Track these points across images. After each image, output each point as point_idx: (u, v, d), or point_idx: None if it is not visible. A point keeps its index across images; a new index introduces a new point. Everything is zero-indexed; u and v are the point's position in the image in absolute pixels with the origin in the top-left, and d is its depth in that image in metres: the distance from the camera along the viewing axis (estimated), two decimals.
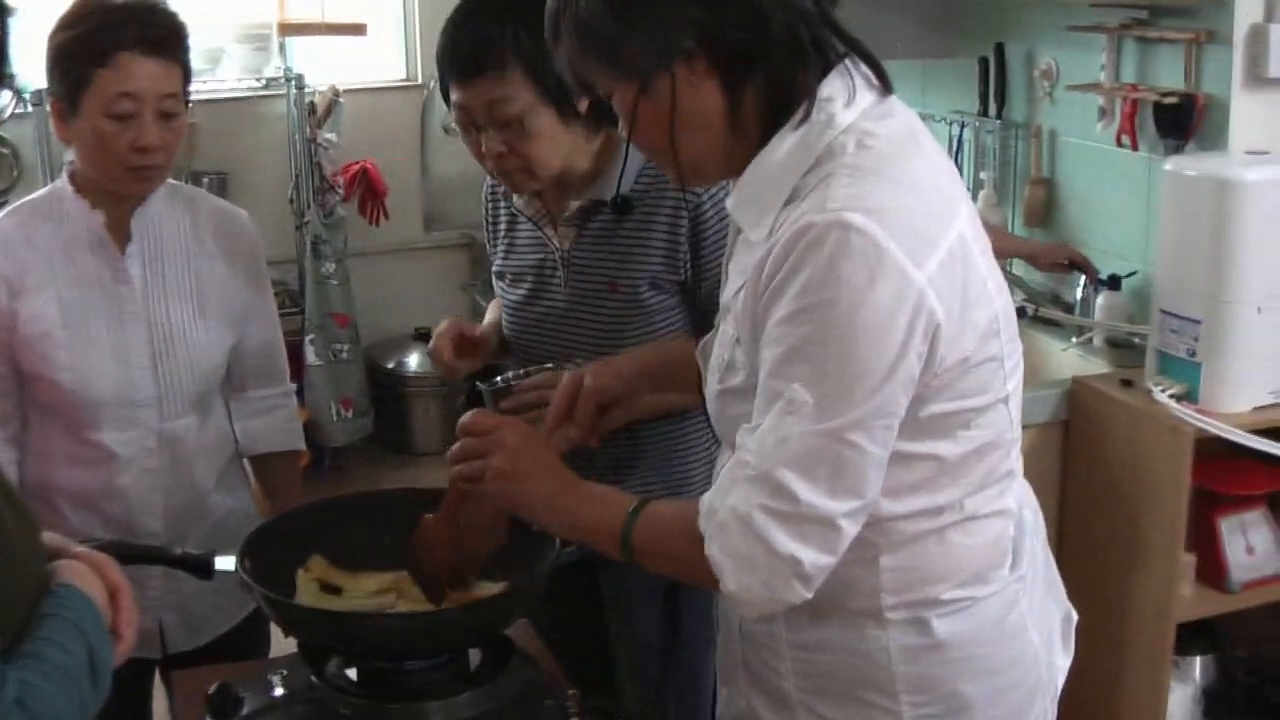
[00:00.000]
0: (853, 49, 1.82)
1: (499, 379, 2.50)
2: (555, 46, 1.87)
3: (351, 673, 2.10)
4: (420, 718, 2.01)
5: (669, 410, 2.52)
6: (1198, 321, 3.00)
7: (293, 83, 5.65)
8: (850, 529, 1.71)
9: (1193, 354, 3.03)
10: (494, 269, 2.70)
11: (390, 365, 6.16)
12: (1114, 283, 3.53)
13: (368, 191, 5.94)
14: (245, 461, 2.81)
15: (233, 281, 2.64)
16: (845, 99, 1.77)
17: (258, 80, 5.68)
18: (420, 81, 6.17)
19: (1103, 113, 3.58)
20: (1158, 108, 3.36)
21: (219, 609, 2.66)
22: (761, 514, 1.67)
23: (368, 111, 6.01)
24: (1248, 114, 3.25)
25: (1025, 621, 1.91)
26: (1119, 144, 3.54)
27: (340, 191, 5.79)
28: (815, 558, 1.68)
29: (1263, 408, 3.04)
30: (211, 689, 2.04)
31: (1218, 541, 3.14)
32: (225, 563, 2.15)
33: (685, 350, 2.21)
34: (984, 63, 4.00)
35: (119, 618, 1.52)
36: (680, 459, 2.61)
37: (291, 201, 5.72)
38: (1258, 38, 3.20)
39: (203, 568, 2.17)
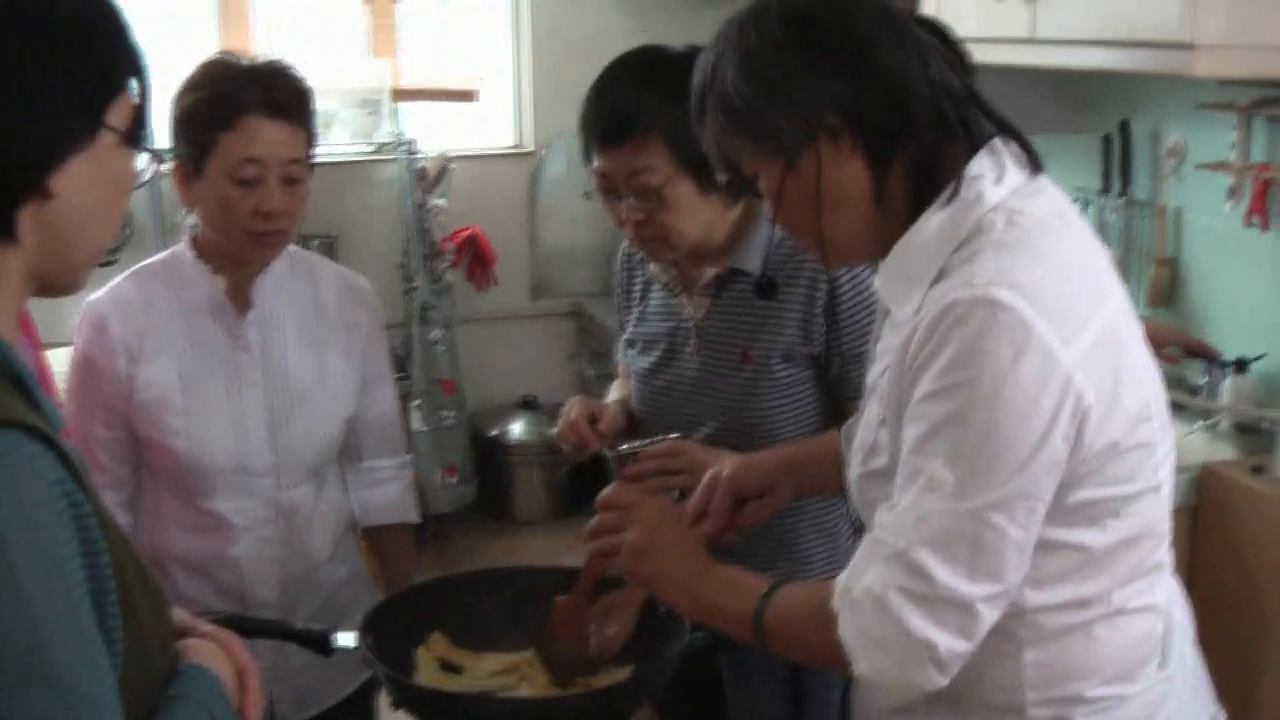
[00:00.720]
0: (1001, 127, 1.79)
1: (625, 446, 2.47)
2: (701, 125, 1.85)
3: None
4: None
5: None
6: None
7: (404, 148, 5.67)
8: (989, 615, 1.65)
9: None
10: (625, 337, 2.68)
11: (494, 433, 6.13)
12: (1241, 366, 3.44)
13: (476, 258, 5.95)
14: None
15: (352, 351, 2.62)
16: (994, 176, 1.74)
17: (369, 145, 5.70)
18: (530, 149, 6.18)
19: (1232, 192, 3.50)
20: None
21: (328, 681, 2.62)
22: (897, 595, 1.62)
23: (477, 178, 6.02)
24: None
25: None
26: (1248, 224, 3.46)
27: (449, 257, 5.80)
28: (951, 643, 1.63)
29: None
30: None
31: None
32: (345, 638, 2.12)
33: (832, 447, 2.16)
34: (1107, 140, 3.94)
35: (246, 699, 1.49)
36: (802, 539, 2.56)
37: (400, 267, 5.72)
38: None
39: (323, 643, 2.13)
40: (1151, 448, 1.73)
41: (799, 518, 2.54)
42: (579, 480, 6.21)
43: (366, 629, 2.09)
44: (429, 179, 5.69)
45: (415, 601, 2.24)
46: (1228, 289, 3.62)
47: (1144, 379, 1.73)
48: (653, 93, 2.30)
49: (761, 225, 2.46)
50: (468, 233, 5.92)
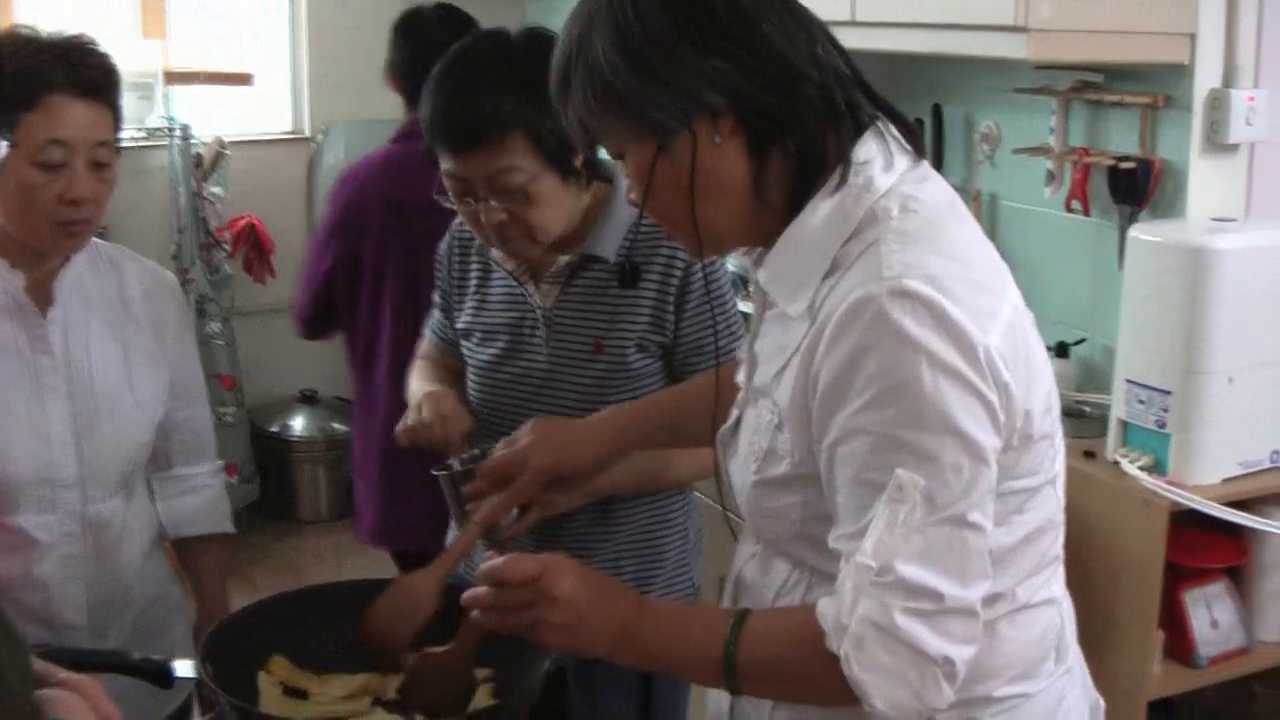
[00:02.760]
0: (884, 111, 1.70)
1: (455, 462, 2.31)
2: (564, 101, 1.70)
3: None
4: None
5: (650, 487, 2.42)
6: (1167, 392, 2.92)
7: (177, 133, 5.39)
8: (983, 614, 1.57)
9: (1162, 425, 2.94)
10: (459, 326, 2.53)
11: (275, 429, 5.90)
12: (1062, 351, 3.44)
13: (254, 248, 5.69)
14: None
15: (161, 351, 2.42)
16: (883, 162, 1.65)
17: (139, 130, 5.39)
18: (308, 134, 5.95)
19: (1051, 177, 3.49)
20: (1112, 173, 3.28)
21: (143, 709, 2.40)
22: (905, 618, 1.51)
23: (253, 165, 5.77)
24: (1206, 180, 3.20)
25: (1071, 717, 1.81)
26: (1069, 209, 3.45)
27: (226, 248, 5.53)
28: (963, 652, 1.54)
29: (1231, 479, 2.97)
30: None
31: (1184, 616, 3.04)
32: (184, 668, 1.92)
33: (678, 398, 2.15)
34: (918, 124, 3.91)
35: None
36: (655, 534, 2.48)
37: (175, 258, 5.42)
38: (1217, 103, 3.14)
39: (162, 675, 1.93)
40: (1052, 438, 1.69)
41: (651, 513, 2.47)
42: None
43: (206, 657, 1.90)
44: (205, 165, 5.42)
45: (251, 623, 2.04)
46: (1046, 274, 3.61)
47: (1044, 369, 1.68)
48: (507, 90, 2.18)
49: (615, 211, 2.36)
50: (244, 222, 5.68)
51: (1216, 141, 3.17)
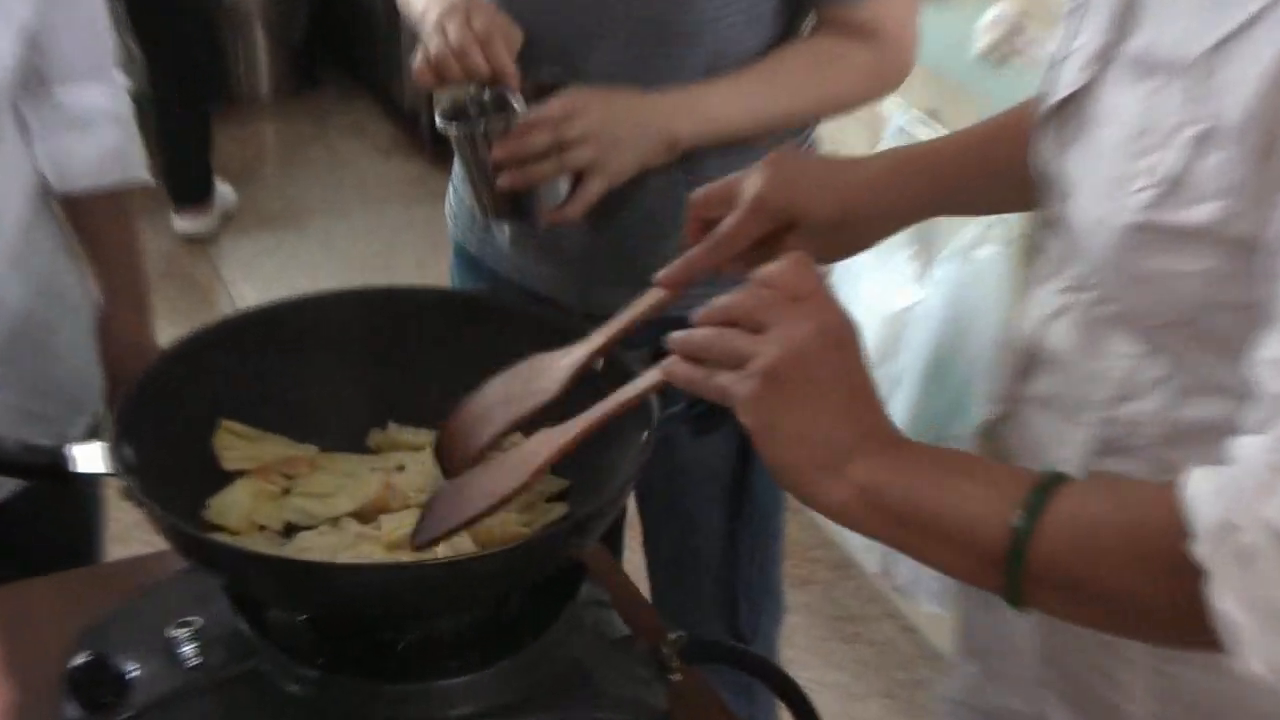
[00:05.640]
0: None
1: (468, 102, 1.64)
2: None
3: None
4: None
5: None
6: None
7: None
8: None
9: None
10: None
11: None
12: None
13: None
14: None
15: None
16: None
17: None
18: None
19: None
20: None
21: None
22: None
23: None
24: None
25: None
26: None
27: None
28: None
29: None
30: (75, 661, 1.21)
31: None
32: (88, 457, 1.22)
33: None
34: None
35: None
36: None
37: None
38: None
39: (55, 468, 1.24)
40: None
41: None
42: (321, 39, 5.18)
43: (123, 434, 1.23)
44: None
45: (187, 366, 1.36)
46: None
47: None
48: None
49: None
50: None
51: None
